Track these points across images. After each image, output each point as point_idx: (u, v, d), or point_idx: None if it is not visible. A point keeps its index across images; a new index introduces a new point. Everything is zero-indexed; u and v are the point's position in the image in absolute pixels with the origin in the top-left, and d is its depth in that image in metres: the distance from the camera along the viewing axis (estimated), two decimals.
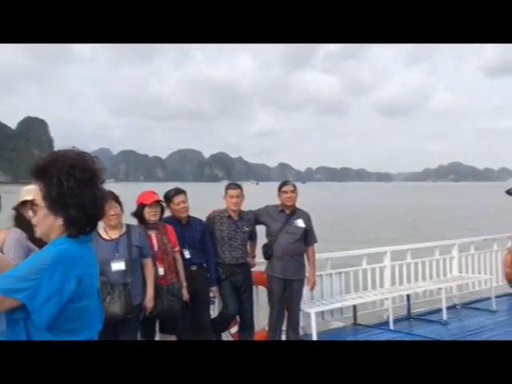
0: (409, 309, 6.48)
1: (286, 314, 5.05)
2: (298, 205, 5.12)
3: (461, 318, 6.42)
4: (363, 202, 61.39)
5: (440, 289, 6.42)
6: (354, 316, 6.15)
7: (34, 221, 1.61)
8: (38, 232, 1.62)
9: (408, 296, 6.41)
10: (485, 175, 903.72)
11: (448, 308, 6.39)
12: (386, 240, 18.05)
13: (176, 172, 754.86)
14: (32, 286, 1.44)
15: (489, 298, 6.84)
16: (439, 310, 6.35)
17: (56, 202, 1.54)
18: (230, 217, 4.82)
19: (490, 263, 7.63)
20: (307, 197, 45.91)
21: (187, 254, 4.49)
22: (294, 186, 5.07)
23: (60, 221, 1.56)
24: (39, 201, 1.57)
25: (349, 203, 58.19)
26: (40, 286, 1.45)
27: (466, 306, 6.96)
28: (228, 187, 4.92)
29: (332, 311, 5.88)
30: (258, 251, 5.17)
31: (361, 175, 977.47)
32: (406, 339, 5.49)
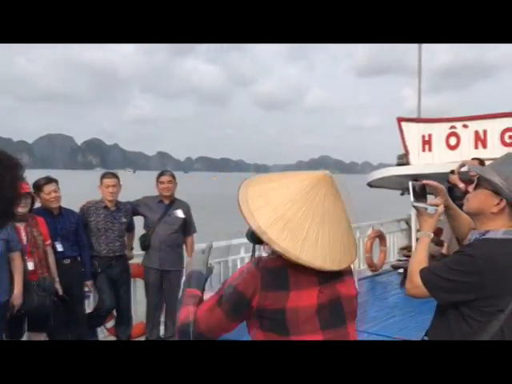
0: None
1: (165, 305, 5.04)
2: (178, 195, 5.11)
3: None
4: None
5: None
6: None
7: None
8: None
9: None
10: (350, 168, 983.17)
11: None
12: None
13: (45, 158, 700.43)
14: None
15: None
16: None
17: None
18: (106, 207, 4.65)
19: None
20: (189, 187, 45.78)
21: (60, 247, 4.25)
22: (173, 175, 5.04)
23: None
24: None
25: (232, 193, 59.17)
26: None
27: None
28: (103, 176, 4.74)
29: None
30: (136, 243, 5.08)
31: (240, 166, 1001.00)
32: None
